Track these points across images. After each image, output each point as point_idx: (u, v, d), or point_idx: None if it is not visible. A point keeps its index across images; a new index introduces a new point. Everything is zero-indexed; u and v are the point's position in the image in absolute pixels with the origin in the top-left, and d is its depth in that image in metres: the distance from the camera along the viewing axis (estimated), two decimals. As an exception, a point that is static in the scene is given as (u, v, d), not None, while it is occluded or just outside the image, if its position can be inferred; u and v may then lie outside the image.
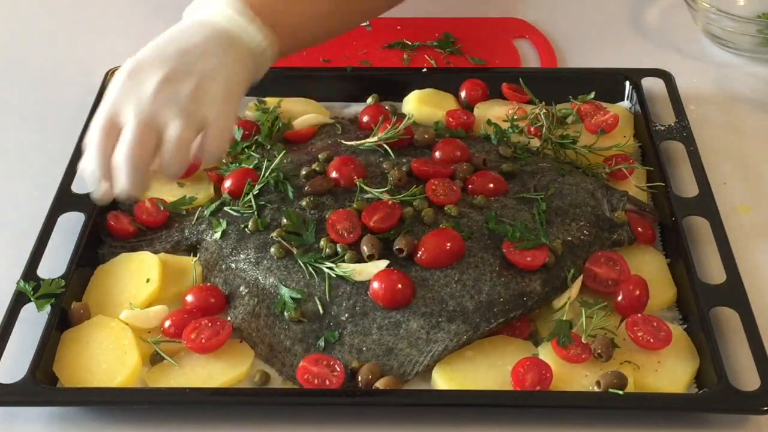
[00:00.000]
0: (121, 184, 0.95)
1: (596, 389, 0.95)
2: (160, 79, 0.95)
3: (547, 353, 0.98)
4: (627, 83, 1.31)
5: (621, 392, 0.94)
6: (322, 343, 1.00)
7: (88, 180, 0.98)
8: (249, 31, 1.01)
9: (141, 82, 0.95)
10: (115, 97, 0.96)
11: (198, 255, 1.10)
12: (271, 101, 1.27)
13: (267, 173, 1.13)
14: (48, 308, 1.02)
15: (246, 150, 1.20)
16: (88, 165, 0.96)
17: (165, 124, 0.94)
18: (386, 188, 1.10)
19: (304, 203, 1.10)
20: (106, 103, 0.96)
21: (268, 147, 1.21)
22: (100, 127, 0.95)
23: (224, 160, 1.20)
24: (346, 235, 1.05)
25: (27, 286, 1.03)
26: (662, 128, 1.24)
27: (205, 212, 1.13)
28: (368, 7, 1.14)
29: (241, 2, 1.02)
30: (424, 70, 1.35)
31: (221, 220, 1.11)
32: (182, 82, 0.95)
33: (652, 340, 0.98)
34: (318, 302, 1.02)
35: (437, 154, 1.16)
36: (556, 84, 1.31)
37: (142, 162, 0.94)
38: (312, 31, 1.09)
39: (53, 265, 1.07)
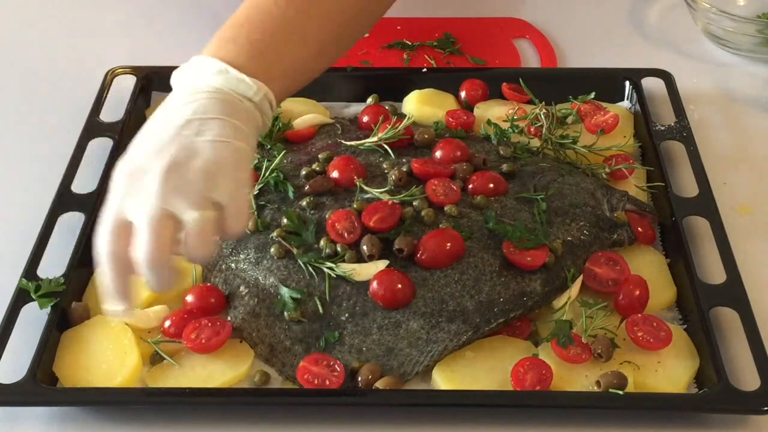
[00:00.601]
0: (150, 286, 0.90)
1: (596, 389, 0.95)
2: (163, 170, 0.87)
3: (547, 353, 0.98)
4: (627, 83, 1.31)
5: (621, 392, 0.94)
6: (322, 343, 1.00)
7: (104, 296, 0.91)
8: (248, 85, 0.94)
9: (144, 178, 0.88)
10: (120, 197, 0.89)
11: (198, 255, 1.10)
12: (271, 101, 1.27)
13: (267, 173, 1.13)
14: (50, 307, 1.02)
15: (246, 150, 1.20)
16: (105, 280, 0.90)
17: (180, 213, 0.87)
18: (386, 188, 1.10)
19: (304, 203, 1.10)
20: (111, 207, 0.89)
21: (268, 147, 1.21)
22: (108, 231, 0.88)
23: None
24: (346, 235, 1.05)
25: (29, 284, 1.03)
26: (662, 128, 1.24)
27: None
28: (351, 32, 1.06)
29: (232, 56, 0.95)
30: (424, 70, 1.35)
31: (221, 220, 1.11)
32: (187, 167, 0.88)
33: (652, 340, 0.98)
34: (318, 302, 1.02)
35: (437, 154, 1.16)
36: (556, 84, 1.31)
37: (163, 260, 0.88)
38: (305, 76, 1.04)
39: (53, 265, 1.07)
